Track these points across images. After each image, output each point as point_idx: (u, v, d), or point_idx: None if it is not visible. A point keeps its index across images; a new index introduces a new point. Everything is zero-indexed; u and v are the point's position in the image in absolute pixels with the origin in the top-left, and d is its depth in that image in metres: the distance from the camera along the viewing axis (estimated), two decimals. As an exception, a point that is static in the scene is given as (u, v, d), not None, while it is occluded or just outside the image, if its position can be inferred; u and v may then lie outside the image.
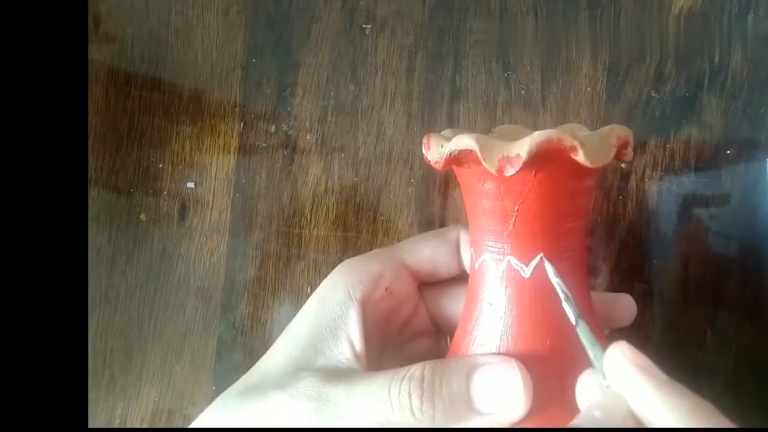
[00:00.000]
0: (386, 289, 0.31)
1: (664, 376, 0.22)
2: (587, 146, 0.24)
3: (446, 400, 0.26)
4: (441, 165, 0.27)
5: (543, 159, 0.24)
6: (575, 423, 0.22)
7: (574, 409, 0.25)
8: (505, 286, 0.27)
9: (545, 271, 0.27)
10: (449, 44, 0.40)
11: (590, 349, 0.24)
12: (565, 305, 0.25)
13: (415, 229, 0.40)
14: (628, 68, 0.37)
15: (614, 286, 0.38)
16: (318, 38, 0.42)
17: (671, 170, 0.37)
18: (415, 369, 0.26)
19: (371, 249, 0.41)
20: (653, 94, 0.37)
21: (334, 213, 0.42)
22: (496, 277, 0.27)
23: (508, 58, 0.39)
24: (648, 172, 0.37)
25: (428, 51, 0.40)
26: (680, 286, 0.37)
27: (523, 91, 0.39)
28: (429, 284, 0.34)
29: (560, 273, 0.27)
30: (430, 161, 0.28)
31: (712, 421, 0.20)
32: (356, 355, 0.29)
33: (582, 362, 0.25)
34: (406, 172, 0.41)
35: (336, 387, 0.27)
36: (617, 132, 0.26)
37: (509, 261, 0.27)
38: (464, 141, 0.25)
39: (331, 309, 0.30)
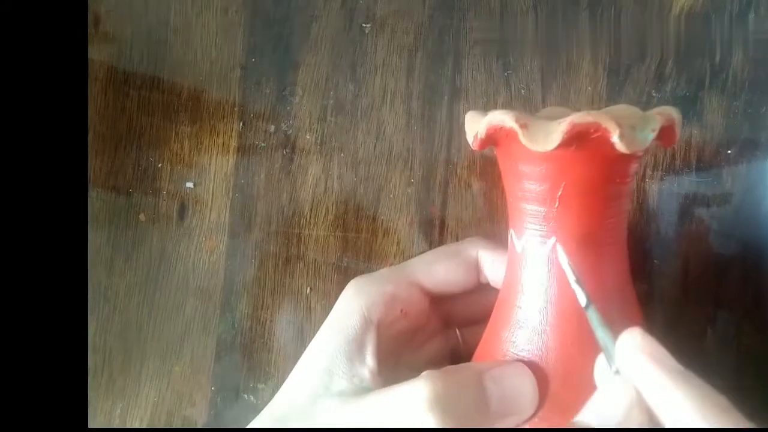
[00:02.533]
0: (401, 310, 0.32)
1: (678, 366, 0.21)
2: (624, 129, 0.24)
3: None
4: (477, 144, 0.27)
5: (581, 139, 0.25)
6: (579, 416, 0.22)
7: None
8: (549, 268, 0.27)
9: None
10: (449, 44, 0.40)
11: (600, 335, 0.24)
12: (575, 287, 0.25)
13: (414, 230, 0.40)
14: (628, 68, 0.37)
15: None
16: (317, 37, 0.42)
17: (672, 170, 0.37)
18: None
19: (371, 249, 0.41)
20: (654, 94, 0.37)
21: (334, 213, 0.42)
22: (542, 257, 0.27)
23: (508, 57, 0.39)
24: (649, 172, 0.37)
25: (428, 50, 0.40)
26: (680, 286, 0.37)
27: (523, 91, 0.39)
28: None
29: (603, 255, 0.27)
30: (470, 142, 0.28)
31: (725, 416, 0.20)
32: (373, 376, 0.29)
33: None
34: (406, 172, 0.40)
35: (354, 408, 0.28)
36: (661, 114, 0.26)
37: (554, 242, 0.27)
38: (500, 116, 0.25)
39: (347, 334, 0.30)
